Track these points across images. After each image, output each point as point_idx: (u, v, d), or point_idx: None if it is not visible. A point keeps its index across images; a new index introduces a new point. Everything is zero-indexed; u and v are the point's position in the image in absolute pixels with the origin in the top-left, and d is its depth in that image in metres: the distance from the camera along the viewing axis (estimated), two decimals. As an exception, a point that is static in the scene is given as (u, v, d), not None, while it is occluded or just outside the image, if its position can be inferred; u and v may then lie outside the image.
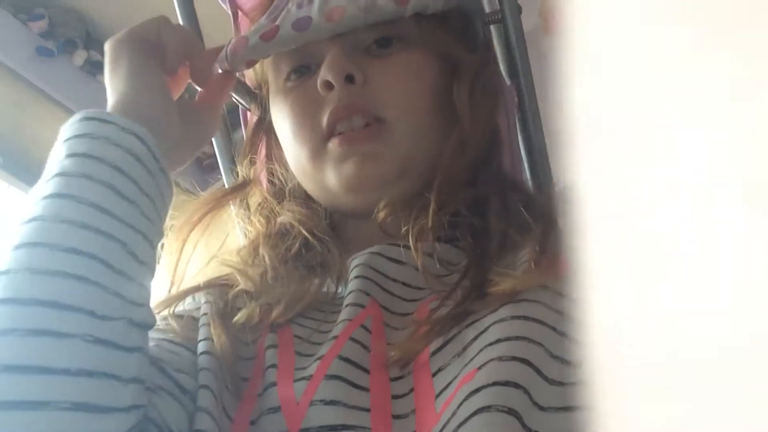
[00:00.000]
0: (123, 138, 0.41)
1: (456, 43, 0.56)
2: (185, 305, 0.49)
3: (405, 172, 0.51)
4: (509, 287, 0.40)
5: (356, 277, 0.46)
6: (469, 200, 0.51)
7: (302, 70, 0.55)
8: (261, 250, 0.51)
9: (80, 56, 2.30)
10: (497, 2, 0.62)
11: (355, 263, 0.48)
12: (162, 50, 0.50)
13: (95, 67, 2.33)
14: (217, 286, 0.50)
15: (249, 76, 0.64)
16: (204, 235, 0.53)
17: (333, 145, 0.51)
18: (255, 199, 0.59)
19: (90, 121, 0.42)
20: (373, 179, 0.51)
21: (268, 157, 0.61)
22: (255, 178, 0.60)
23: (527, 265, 0.43)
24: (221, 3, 0.66)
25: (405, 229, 0.48)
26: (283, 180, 0.59)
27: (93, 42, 2.38)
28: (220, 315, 0.46)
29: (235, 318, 0.46)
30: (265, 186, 0.60)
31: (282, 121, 0.55)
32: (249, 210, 0.58)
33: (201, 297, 0.49)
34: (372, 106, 0.51)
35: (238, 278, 0.49)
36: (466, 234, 0.49)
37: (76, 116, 0.43)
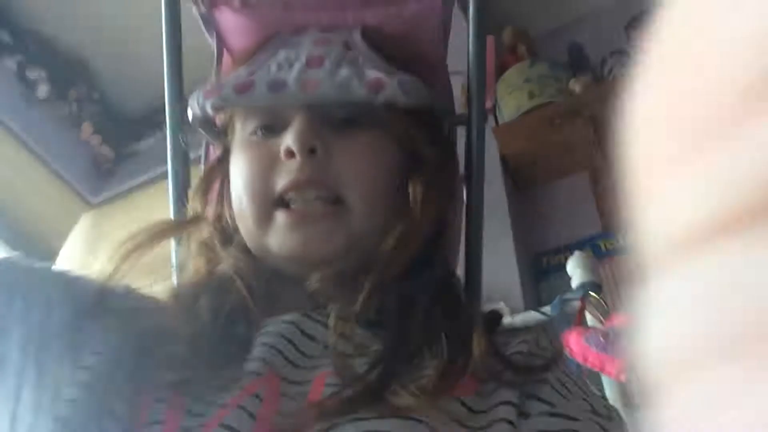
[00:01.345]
0: None
1: (420, 136, 0.57)
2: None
3: (348, 251, 0.52)
4: (404, 404, 0.40)
5: (263, 343, 0.46)
6: (402, 295, 0.50)
7: (268, 128, 0.55)
8: (201, 299, 0.51)
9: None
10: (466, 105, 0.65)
11: (267, 328, 0.47)
12: None
13: (2, 49, 2.26)
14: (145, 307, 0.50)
15: (218, 116, 0.64)
16: (140, 258, 0.54)
17: (281, 216, 0.51)
18: (199, 236, 0.58)
19: None
20: (316, 255, 0.51)
21: (219, 198, 0.61)
22: (206, 215, 0.59)
23: (427, 384, 0.42)
24: (209, 39, 0.68)
25: (330, 307, 0.48)
26: (230, 228, 0.58)
27: (4, 22, 2.30)
28: (138, 348, 0.46)
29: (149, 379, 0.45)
30: (217, 226, 0.59)
31: (237, 172, 0.56)
32: (189, 245, 0.58)
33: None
34: (329, 182, 0.52)
35: (173, 331, 0.48)
36: (386, 326, 0.48)
37: None
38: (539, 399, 0.44)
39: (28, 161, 2.34)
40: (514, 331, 0.52)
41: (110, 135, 2.61)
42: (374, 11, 0.63)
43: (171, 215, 0.67)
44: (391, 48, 0.60)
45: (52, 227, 2.41)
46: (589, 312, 1.19)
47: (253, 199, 0.53)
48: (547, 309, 1.30)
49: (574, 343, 1.11)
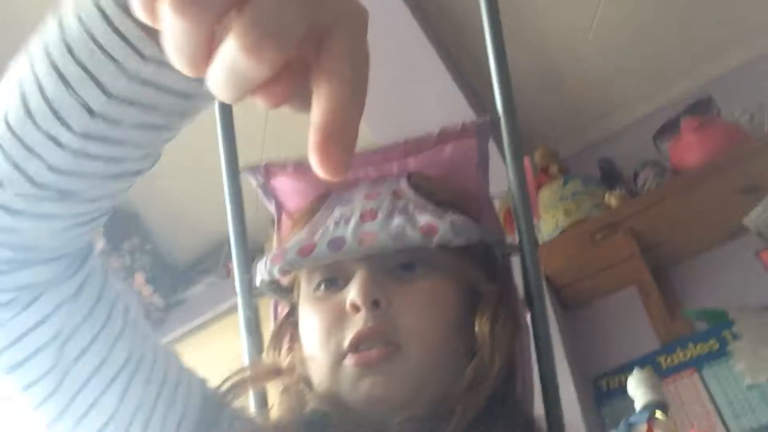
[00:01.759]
0: None
1: (477, 273, 0.60)
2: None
3: (417, 396, 0.53)
4: None
5: None
6: None
7: (331, 281, 0.59)
8: None
9: None
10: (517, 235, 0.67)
11: None
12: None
13: None
14: None
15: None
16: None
17: (348, 362, 0.54)
18: (282, 383, 0.62)
19: None
20: (384, 400, 0.52)
21: (289, 351, 0.64)
22: (283, 366, 0.63)
23: None
24: (267, 205, 0.74)
25: None
26: (305, 379, 0.61)
27: None
28: None
29: None
30: (297, 373, 0.62)
31: (308, 328, 0.59)
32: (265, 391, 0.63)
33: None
34: (392, 331, 0.54)
35: None
36: None
37: None
38: None
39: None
40: None
41: (160, 284, 2.69)
42: (416, 158, 0.68)
43: (246, 359, 0.70)
44: (437, 191, 0.64)
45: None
46: (658, 435, 1.12)
47: (326, 354, 0.56)
48: (612, 435, 1.22)
49: (647, 471, 1.03)
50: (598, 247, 1.67)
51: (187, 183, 2.51)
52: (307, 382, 0.59)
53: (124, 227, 2.62)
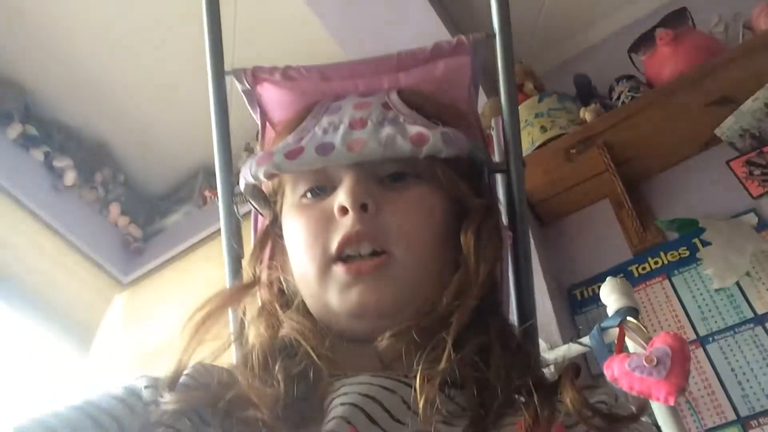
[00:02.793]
0: None
1: (465, 187, 0.59)
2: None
3: (407, 304, 0.52)
4: None
5: (342, 404, 0.46)
6: (478, 347, 0.50)
7: (318, 189, 0.58)
8: (273, 364, 0.52)
9: (15, 129, 2.31)
10: (504, 154, 0.66)
11: (345, 389, 0.47)
12: None
13: (29, 141, 2.35)
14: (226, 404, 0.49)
15: (266, 184, 0.67)
16: (208, 332, 0.55)
17: (338, 270, 0.53)
18: (261, 299, 0.60)
19: None
20: (375, 308, 0.52)
21: (271, 263, 0.63)
22: (262, 279, 0.61)
23: None
24: (252, 113, 0.71)
25: (416, 369, 0.47)
26: (287, 291, 0.60)
27: (31, 116, 2.40)
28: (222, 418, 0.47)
29: None
30: (273, 290, 0.61)
31: (294, 235, 0.58)
32: (244, 312, 0.60)
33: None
34: (381, 237, 0.53)
35: (250, 399, 0.48)
36: (472, 383, 0.48)
37: None
38: None
39: (59, 248, 2.40)
40: (586, 387, 0.52)
41: (137, 215, 2.67)
42: (407, 74, 0.67)
43: (227, 283, 0.68)
44: (427, 105, 0.63)
45: (88, 310, 2.45)
46: (629, 338, 1.16)
47: (312, 259, 0.55)
48: (585, 340, 1.27)
49: (618, 370, 1.07)
50: (573, 162, 1.69)
51: (158, 110, 2.45)
52: (286, 301, 0.59)
53: (94, 159, 2.57)
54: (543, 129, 1.73)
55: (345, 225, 0.53)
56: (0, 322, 2.16)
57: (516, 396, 0.48)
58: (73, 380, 2.28)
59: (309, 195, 0.58)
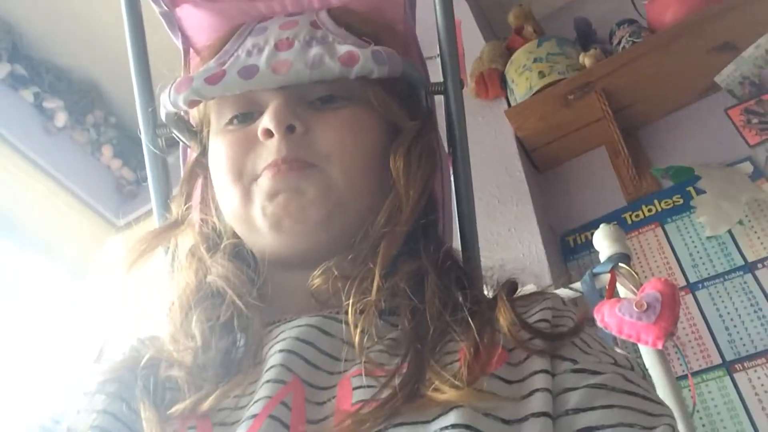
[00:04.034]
0: None
1: (398, 109, 0.57)
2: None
3: (332, 219, 0.51)
4: (444, 398, 0.39)
5: (281, 350, 0.45)
6: (410, 274, 0.49)
7: (244, 116, 0.55)
8: (192, 314, 0.50)
9: (3, 69, 2.27)
10: (441, 74, 0.63)
11: (281, 336, 0.46)
12: None
13: (18, 81, 2.31)
14: (148, 364, 0.48)
15: (192, 114, 0.63)
16: (138, 277, 0.54)
17: (263, 178, 0.51)
18: (186, 242, 0.58)
19: None
20: (295, 215, 0.50)
21: (203, 201, 0.60)
22: (188, 219, 0.58)
23: (463, 370, 0.40)
24: (173, 39, 0.67)
25: (346, 303, 0.46)
26: (216, 232, 0.57)
27: (19, 55, 2.35)
28: (151, 399, 0.45)
29: (169, 411, 0.44)
30: (198, 231, 0.58)
31: (218, 160, 0.55)
32: (175, 255, 0.57)
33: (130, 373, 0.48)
34: (310, 157, 0.51)
35: (170, 356, 0.47)
36: (405, 311, 0.46)
37: None
38: (561, 357, 0.43)
39: (52, 190, 2.38)
40: (529, 297, 0.50)
41: (129, 157, 2.64)
42: None
43: (156, 223, 0.63)
44: (359, 24, 0.59)
45: (81, 253, 2.45)
46: (621, 283, 1.17)
47: (236, 180, 0.52)
48: (577, 285, 1.28)
49: (608, 314, 1.09)
50: (571, 108, 1.67)
51: (151, 49, 2.40)
52: (214, 244, 0.56)
53: (85, 100, 2.53)
54: (541, 74, 1.71)
55: (271, 150, 0.51)
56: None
57: (453, 323, 0.46)
58: (69, 307, 2.30)
59: (235, 121, 0.55)
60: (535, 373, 0.42)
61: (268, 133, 0.51)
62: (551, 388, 0.41)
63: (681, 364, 1.31)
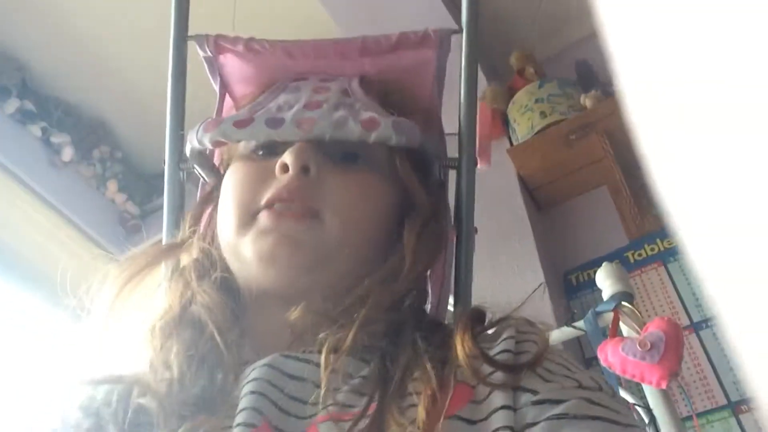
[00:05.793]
0: None
1: (415, 180, 0.58)
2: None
3: (320, 269, 0.51)
4: None
5: (252, 392, 0.44)
6: (388, 324, 0.49)
7: (269, 149, 0.56)
8: (172, 344, 0.50)
9: (12, 104, 2.30)
10: (457, 150, 0.65)
11: (252, 375, 0.46)
12: None
13: (26, 117, 2.34)
14: (124, 384, 0.49)
15: (217, 155, 0.65)
16: (136, 293, 0.54)
17: (262, 217, 0.51)
18: (182, 263, 0.58)
19: None
20: (287, 259, 0.50)
21: (205, 230, 0.61)
22: (189, 243, 0.58)
23: (422, 415, 0.40)
24: (212, 82, 0.70)
25: (320, 337, 0.47)
26: (210, 261, 0.57)
27: (28, 91, 2.39)
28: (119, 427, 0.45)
29: None
30: (197, 256, 0.58)
31: (230, 183, 0.56)
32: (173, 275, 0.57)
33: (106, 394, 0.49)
34: (316, 201, 0.52)
35: (147, 383, 0.48)
36: (376, 354, 0.47)
37: None
38: (522, 389, 0.42)
39: (57, 224, 2.39)
40: (497, 324, 0.49)
41: (134, 192, 2.66)
42: (372, 60, 0.65)
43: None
44: (387, 95, 0.62)
45: (81, 284, 2.45)
46: (624, 322, 1.17)
47: (237, 206, 0.53)
48: (580, 324, 1.28)
49: (612, 354, 1.09)
50: (572, 148, 1.69)
51: (155, 84, 2.44)
52: (204, 271, 0.56)
53: (92, 135, 2.56)
54: (543, 114, 1.73)
55: (281, 183, 0.52)
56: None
57: (420, 367, 0.45)
58: (68, 348, 2.29)
59: (260, 152, 0.57)
60: (497, 410, 0.41)
61: (285, 168, 0.52)
62: (513, 425, 0.39)
63: (686, 405, 1.30)
